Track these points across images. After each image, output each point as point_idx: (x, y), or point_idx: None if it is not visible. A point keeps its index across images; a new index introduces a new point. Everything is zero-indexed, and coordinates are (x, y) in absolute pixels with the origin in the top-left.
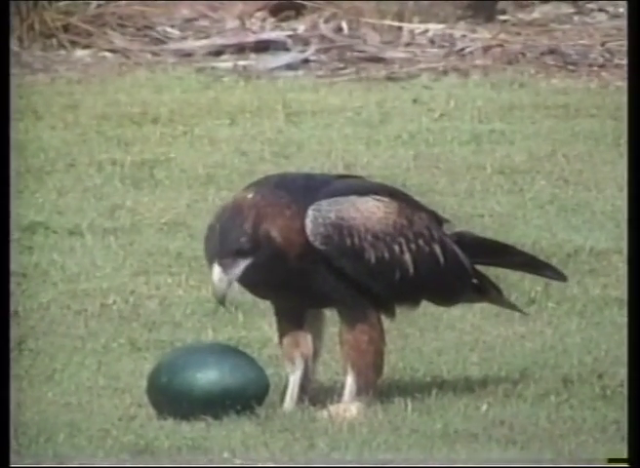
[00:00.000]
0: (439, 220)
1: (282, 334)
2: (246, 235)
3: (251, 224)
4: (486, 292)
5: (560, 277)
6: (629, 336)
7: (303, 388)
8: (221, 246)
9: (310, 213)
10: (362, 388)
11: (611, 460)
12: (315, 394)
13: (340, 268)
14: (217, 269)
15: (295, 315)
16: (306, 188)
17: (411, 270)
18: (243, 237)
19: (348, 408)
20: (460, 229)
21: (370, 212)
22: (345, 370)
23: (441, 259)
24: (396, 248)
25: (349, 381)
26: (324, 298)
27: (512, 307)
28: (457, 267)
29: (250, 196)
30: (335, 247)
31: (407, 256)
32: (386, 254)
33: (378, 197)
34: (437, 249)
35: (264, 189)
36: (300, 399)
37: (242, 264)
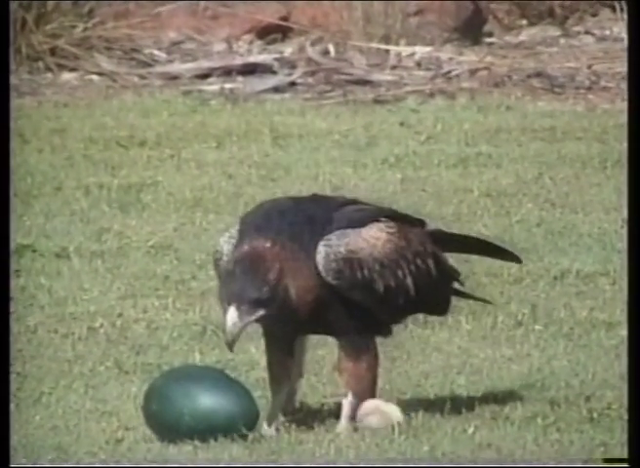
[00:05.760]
0: (423, 226)
1: (271, 361)
2: (268, 286)
3: (274, 277)
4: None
5: (516, 259)
6: (629, 350)
7: (285, 411)
8: (241, 291)
9: (321, 248)
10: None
11: (610, 460)
12: (302, 417)
13: (349, 300)
14: (233, 313)
15: (286, 342)
16: (311, 225)
17: (412, 292)
18: (265, 287)
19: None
20: (433, 228)
21: (375, 239)
22: (346, 395)
23: (434, 273)
24: (399, 273)
25: (346, 405)
26: (325, 328)
27: (475, 298)
28: (446, 275)
29: (268, 245)
30: (346, 280)
31: (409, 280)
32: (392, 282)
33: (380, 223)
34: (431, 263)
35: (281, 238)
36: (281, 422)
37: (257, 314)
